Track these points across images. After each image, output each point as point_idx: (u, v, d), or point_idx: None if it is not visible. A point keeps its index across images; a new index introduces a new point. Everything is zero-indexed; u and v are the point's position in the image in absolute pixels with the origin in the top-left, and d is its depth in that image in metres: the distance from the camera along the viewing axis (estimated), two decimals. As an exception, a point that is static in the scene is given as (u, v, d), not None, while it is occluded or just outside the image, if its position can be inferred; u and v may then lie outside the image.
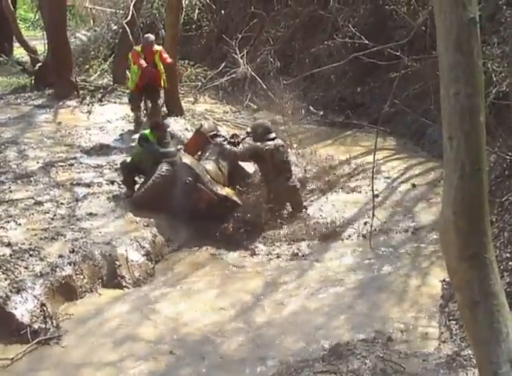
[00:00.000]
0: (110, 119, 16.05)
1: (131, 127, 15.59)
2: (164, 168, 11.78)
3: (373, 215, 9.07)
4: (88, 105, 16.96)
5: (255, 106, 18.30)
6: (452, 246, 4.75)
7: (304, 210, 12.21)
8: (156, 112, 15.56)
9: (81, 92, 17.58)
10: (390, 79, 15.43)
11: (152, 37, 15.72)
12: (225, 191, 11.98)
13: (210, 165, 12.17)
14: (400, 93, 15.34)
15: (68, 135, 14.95)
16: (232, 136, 12.77)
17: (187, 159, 11.91)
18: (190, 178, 11.61)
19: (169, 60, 15.37)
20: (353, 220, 11.89)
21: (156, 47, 15.41)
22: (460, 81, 4.57)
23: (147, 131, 12.45)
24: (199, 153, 12.82)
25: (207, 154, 12.55)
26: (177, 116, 16.22)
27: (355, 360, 7.78)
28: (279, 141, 12.30)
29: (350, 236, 11.44)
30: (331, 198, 12.82)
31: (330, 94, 18.86)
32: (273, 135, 12.36)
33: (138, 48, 15.44)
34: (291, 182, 12.08)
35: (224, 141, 12.52)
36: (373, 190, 9.05)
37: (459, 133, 4.61)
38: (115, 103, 17.32)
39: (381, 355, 7.92)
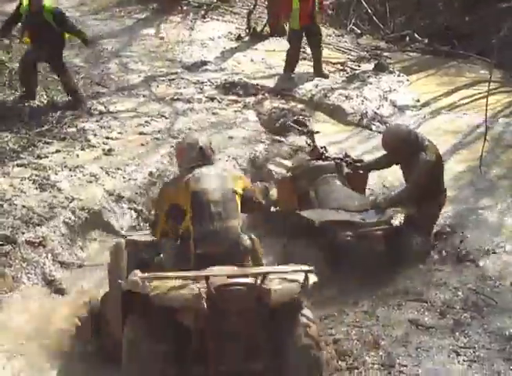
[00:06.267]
0: (212, 36, 16.01)
1: (234, 44, 15.54)
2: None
3: (485, 140, 8.85)
4: (191, 21, 16.93)
5: (359, 31, 17.99)
6: None
7: None
8: (319, 62, 14.32)
9: (184, 7, 17.55)
10: (500, 9, 14.94)
11: None
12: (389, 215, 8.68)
13: (342, 195, 8.83)
14: (509, 24, 14.82)
15: (170, 51, 15.03)
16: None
17: (314, 213, 8.50)
18: (348, 233, 8.33)
19: None
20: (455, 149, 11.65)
21: None
22: None
23: None
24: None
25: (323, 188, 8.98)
26: (279, 36, 16.07)
27: (446, 291, 7.75)
28: None
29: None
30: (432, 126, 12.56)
31: (437, 22, 18.40)
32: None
33: None
34: None
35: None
36: (486, 119, 8.79)
37: None
38: (218, 20, 17.26)
39: (474, 287, 7.85)
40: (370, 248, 8.48)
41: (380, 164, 9.21)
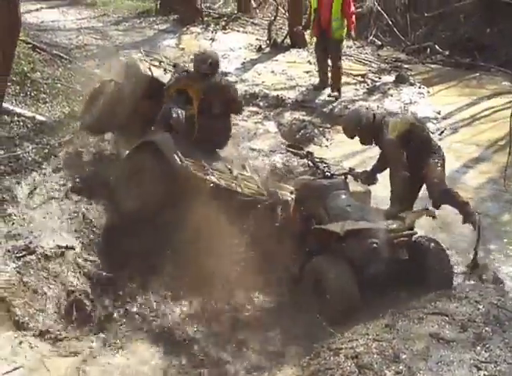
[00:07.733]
0: (233, 47, 16.07)
1: (254, 56, 15.57)
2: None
3: (510, 153, 8.80)
4: (212, 32, 17.00)
5: (379, 43, 17.97)
6: None
7: None
8: (336, 75, 13.88)
9: (205, 19, 17.63)
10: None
11: None
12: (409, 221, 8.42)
13: (356, 208, 8.57)
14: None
15: (191, 61, 15.00)
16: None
17: (335, 226, 8.19)
18: (374, 240, 8.08)
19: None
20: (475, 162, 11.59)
21: None
22: None
23: None
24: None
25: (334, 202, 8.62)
26: (300, 48, 16.09)
27: (467, 305, 7.69)
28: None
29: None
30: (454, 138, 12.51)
31: (458, 34, 18.34)
32: None
33: None
34: None
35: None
36: (511, 131, 8.69)
37: None
38: (238, 31, 17.34)
39: (495, 301, 7.79)
40: (394, 256, 8.04)
41: (382, 163, 8.98)
